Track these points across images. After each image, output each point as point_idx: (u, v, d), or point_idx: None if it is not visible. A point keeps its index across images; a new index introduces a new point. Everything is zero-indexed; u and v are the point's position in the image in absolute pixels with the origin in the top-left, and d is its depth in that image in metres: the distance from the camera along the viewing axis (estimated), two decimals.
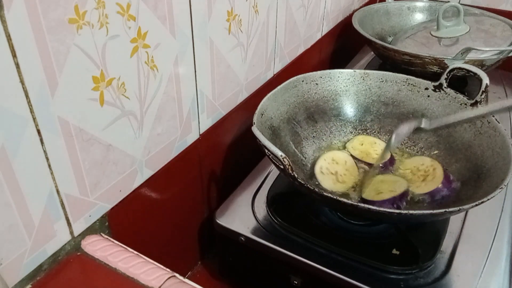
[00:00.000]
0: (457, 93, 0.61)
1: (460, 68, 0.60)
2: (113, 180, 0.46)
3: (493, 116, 0.55)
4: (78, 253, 0.43)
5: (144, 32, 0.43)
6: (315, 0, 0.81)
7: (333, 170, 0.59)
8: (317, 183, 0.58)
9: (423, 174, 0.58)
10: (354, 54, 1.02)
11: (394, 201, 0.53)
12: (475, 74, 0.59)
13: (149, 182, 0.51)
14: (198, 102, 0.56)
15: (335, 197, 0.45)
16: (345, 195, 0.57)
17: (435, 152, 0.61)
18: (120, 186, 0.47)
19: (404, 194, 0.54)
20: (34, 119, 0.35)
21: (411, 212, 0.44)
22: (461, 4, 0.89)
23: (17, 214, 0.36)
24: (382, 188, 0.56)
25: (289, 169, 0.46)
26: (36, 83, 0.34)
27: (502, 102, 0.50)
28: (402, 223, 0.55)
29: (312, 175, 0.60)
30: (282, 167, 0.47)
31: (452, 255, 0.52)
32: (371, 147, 0.64)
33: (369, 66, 0.95)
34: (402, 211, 0.44)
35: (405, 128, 0.53)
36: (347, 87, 0.67)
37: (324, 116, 0.67)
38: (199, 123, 0.58)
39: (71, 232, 0.43)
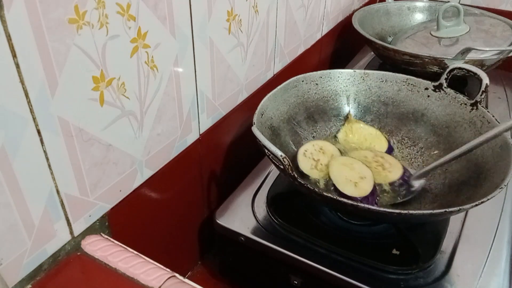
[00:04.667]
0: (457, 93, 0.61)
1: (460, 68, 0.60)
2: (113, 180, 0.46)
3: (493, 116, 0.56)
4: (78, 253, 0.43)
5: (144, 32, 0.43)
6: (315, 0, 0.81)
7: (316, 157, 0.59)
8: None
9: (378, 164, 0.58)
10: (354, 54, 1.02)
11: (374, 192, 0.55)
12: (475, 74, 0.59)
13: (149, 182, 0.51)
14: (198, 102, 0.56)
15: (335, 197, 0.45)
16: (317, 182, 0.57)
17: (435, 152, 0.61)
18: (120, 186, 0.47)
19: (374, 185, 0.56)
20: (34, 119, 0.35)
21: (411, 212, 0.44)
22: (461, 4, 0.89)
23: (17, 214, 0.36)
24: (351, 177, 0.55)
25: (289, 169, 0.46)
26: (36, 83, 0.34)
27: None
28: (402, 223, 0.55)
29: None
30: (282, 167, 0.47)
31: (452, 255, 0.52)
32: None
33: (369, 66, 0.95)
34: (402, 211, 0.44)
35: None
36: (347, 87, 0.67)
37: (324, 116, 0.67)
38: (199, 123, 0.58)
39: (71, 232, 0.43)
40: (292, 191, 0.60)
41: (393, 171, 0.58)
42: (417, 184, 0.57)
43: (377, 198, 0.55)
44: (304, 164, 0.58)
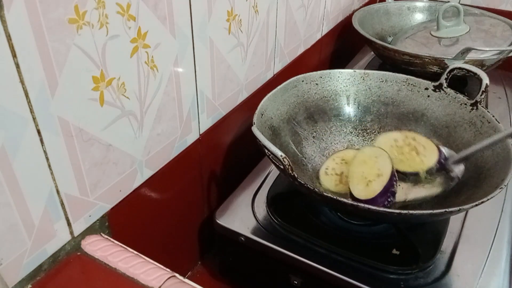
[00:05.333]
0: (457, 93, 0.61)
1: (460, 68, 0.60)
2: (113, 180, 0.46)
3: (493, 116, 0.55)
4: (78, 253, 0.43)
5: (144, 32, 0.43)
6: (315, 0, 0.81)
7: (339, 171, 0.58)
8: (317, 186, 0.57)
9: (411, 148, 0.56)
10: (354, 54, 1.02)
11: (388, 189, 0.52)
12: (475, 74, 0.59)
13: (149, 182, 0.51)
14: (198, 102, 0.56)
15: (335, 197, 0.45)
16: (345, 196, 0.56)
17: None
18: (120, 186, 0.47)
19: (392, 176, 0.53)
20: (34, 119, 0.35)
21: (411, 212, 0.44)
22: (461, 4, 0.89)
23: (17, 214, 0.36)
24: (368, 173, 0.53)
25: (289, 169, 0.46)
26: (36, 83, 0.34)
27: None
28: (402, 223, 0.55)
29: (312, 175, 0.60)
30: (282, 167, 0.47)
31: (452, 255, 0.52)
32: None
33: (369, 66, 0.95)
34: (402, 211, 0.44)
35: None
36: (347, 87, 0.67)
37: (324, 116, 0.67)
38: (199, 123, 0.58)
39: (71, 232, 0.43)
40: (292, 191, 0.60)
41: (427, 154, 0.54)
42: (456, 169, 0.52)
43: (389, 199, 0.53)
44: (328, 183, 0.57)
